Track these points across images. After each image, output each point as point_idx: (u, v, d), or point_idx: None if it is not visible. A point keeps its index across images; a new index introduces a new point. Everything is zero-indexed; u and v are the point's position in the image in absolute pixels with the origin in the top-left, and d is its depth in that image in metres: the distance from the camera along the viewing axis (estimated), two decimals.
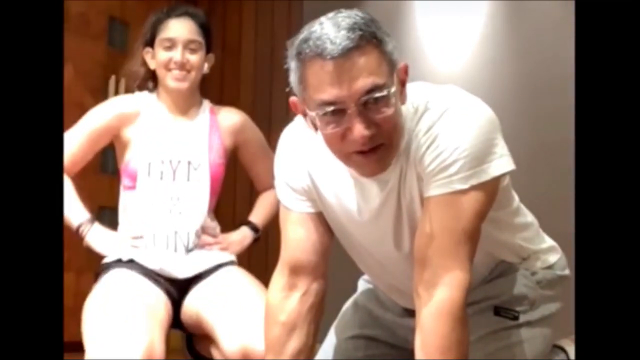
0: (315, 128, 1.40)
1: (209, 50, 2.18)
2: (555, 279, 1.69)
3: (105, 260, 2.08)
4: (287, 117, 4.45)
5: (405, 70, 1.42)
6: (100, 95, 3.58)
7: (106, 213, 3.17)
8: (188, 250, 2.08)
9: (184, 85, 2.11)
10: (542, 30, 3.50)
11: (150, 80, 2.20)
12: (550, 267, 1.69)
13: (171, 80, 2.11)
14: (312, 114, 1.38)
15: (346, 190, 1.54)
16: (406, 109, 1.45)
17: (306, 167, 1.58)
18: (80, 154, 2.13)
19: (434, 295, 1.40)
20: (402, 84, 1.41)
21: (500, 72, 3.56)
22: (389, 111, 1.35)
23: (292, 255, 1.61)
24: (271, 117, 4.03)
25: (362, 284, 1.87)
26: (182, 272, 2.06)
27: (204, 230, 2.13)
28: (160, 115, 2.15)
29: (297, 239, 1.61)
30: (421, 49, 3.69)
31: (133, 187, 2.09)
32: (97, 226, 2.09)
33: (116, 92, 3.62)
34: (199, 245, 2.11)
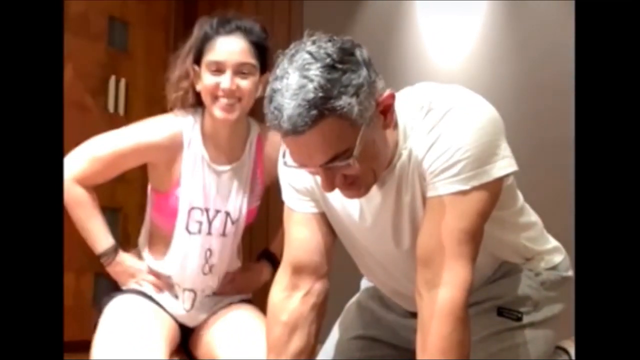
0: None
1: (264, 70, 1.88)
2: (559, 280, 1.68)
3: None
4: None
5: (391, 98, 1.40)
6: (100, 95, 3.58)
7: (106, 213, 3.17)
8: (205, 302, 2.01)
9: (232, 116, 1.85)
10: (542, 30, 3.50)
11: (193, 96, 1.93)
12: (554, 267, 1.69)
13: (218, 109, 1.85)
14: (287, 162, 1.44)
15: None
16: (411, 108, 1.45)
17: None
18: (105, 169, 1.94)
19: (435, 295, 1.40)
20: (385, 111, 1.39)
21: (500, 71, 3.56)
22: (355, 168, 1.35)
23: (295, 255, 1.61)
24: None
25: (365, 283, 1.87)
26: (193, 321, 2.02)
27: (226, 274, 2.02)
28: (201, 151, 1.92)
29: (301, 239, 1.61)
30: (422, 49, 3.68)
31: (165, 224, 1.95)
32: (122, 255, 1.97)
33: (116, 92, 3.62)
34: (218, 293, 2.02)
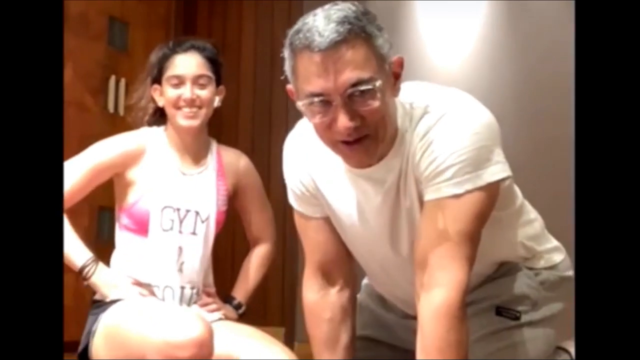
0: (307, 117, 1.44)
1: (219, 82, 2.11)
2: (559, 279, 1.69)
3: (98, 297, 2.00)
4: (287, 117, 4.47)
5: (400, 64, 1.43)
6: (100, 95, 3.58)
7: (106, 213, 3.17)
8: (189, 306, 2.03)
9: (195, 122, 2.04)
10: (542, 30, 3.50)
11: (159, 116, 2.11)
12: (553, 267, 1.69)
13: (181, 118, 2.03)
14: (300, 103, 1.41)
15: (347, 192, 1.56)
16: (404, 108, 1.47)
17: (309, 172, 1.61)
18: (77, 189, 2.02)
19: (432, 297, 1.41)
20: (396, 77, 1.43)
21: (500, 71, 3.56)
22: (374, 104, 1.36)
23: (319, 258, 1.68)
24: (271, 117, 4.04)
25: (366, 284, 1.88)
26: None
27: (203, 289, 2.08)
28: (168, 157, 2.07)
29: (320, 242, 1.67)
30: (421, 49, 3.69)
31: (137, 231, 2.02)
32: (102, 267, 2.00)
33: (116, 92, 3.62)
34: (199, 305, 2.05)
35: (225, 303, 2.12)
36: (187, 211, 2.04)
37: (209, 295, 2.09)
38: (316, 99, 1.37)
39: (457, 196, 1.41)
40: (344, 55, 1.34)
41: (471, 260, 1.44)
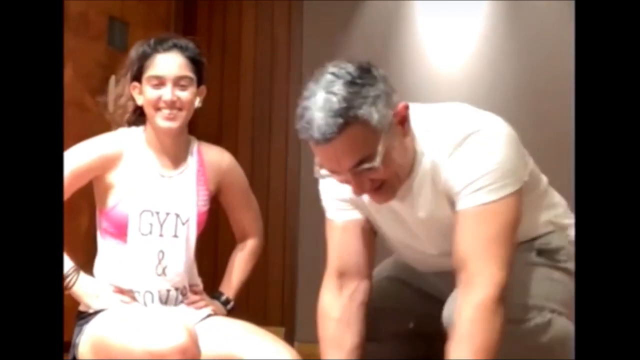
0: None
1: (200, 83, 2.05)
2: None
3: (82, 309, 1.98)
4: (287, 117, 4.46)
5: (404, 110, 1.57)
6: (100, 95, 3.57)
7: None
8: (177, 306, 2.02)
9: (175, 124, 1.99)
10: (542, 30, 3.50)
11: (139, 115, 2.06)
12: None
13: (161, 119, 1.98)
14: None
15: (381, 205, 1.69)
16: (420, 133, 1.61)
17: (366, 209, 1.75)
18: (73, 186, 1.99)
19: (471, 296, 1.51)
20: (402, 122, 1.57)
21: (500, 72, 3.56)
22: (379, 172, 1.53)
23: (339, 260, 1.79)
24: (271, 117, 4.04)
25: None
26: None
27: (190, 287, 2.07)
28: (147, 159, 2.03)
29: (343, 245, 1.79)
30: (421, 49, 3.69)
31: (116, 235, 1.99)
32: (84, 276, 1.98)
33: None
34: (186, 304, 2.04)
35: (212, 299, 2.11)
36: (167, 214, 2.01)
37: (195, 293, 2.07)
38: (331, 174, 1.57)
39: (492, 202, 1.54)
40: (341, 145, 1.49)
41: (508, 260, 1.54)
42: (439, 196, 1.62)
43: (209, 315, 2.04)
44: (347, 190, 1.69)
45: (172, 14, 4.04)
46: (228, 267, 2.19)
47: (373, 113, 1.49)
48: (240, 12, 4.19)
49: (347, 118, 1.47)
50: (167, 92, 1.97)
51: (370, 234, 1.80)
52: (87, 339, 1.90)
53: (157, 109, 1.98)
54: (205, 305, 2.05)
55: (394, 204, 1.67)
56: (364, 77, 1.51)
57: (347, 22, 3.87)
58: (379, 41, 3.74)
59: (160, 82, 1.98)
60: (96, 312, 1.95)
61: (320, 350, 1.76)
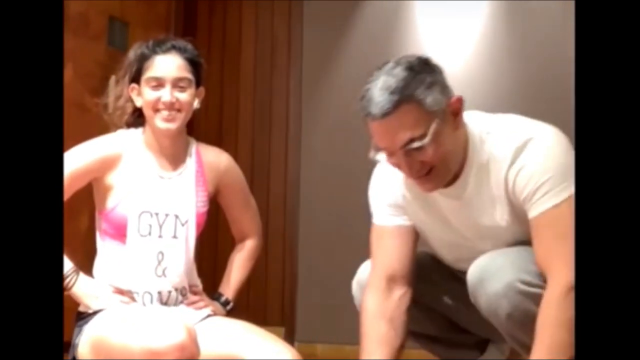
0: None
1: (198, 84, 2.06)
2: None
3: (82, 309, 1.98)
4: (287, 117, 4.45)
5: (458, 103, 1.69)
6: (100, 95, 3.57)
7: None
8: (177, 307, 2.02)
9: (174, 125, 1.99)
10: (542, 30, 3.50)
11: (137, 116, 2.07)
12: None
13: (160, 121, 1.99)
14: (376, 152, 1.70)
15: (429, 206, 1.82)
16: (475, 134, 1.72)
17: (400, 187, 1.85)
18: (72, 188, 1.99)
19: (550, 291, 1.61)
20: (455, 113, 1.69)
21: (500, 72, 3.56)
22: (429, 153, 1.64)
23: (388, 264, 1.86)
24: (271, 117, 4.04)
25: None
26: None
27: (190, 288, 2.07)
28: (146, 160, 2.03)
29: (392, 249, 1.87)
30: (421, 49, 3.67)
31: (116, 237, 1.99)
32: (83, 277, 1.97)
33: None
34: (186, 304, 2.04)
35: (212, 300, 2.11)
36: (166, 215, 2.01)
37: (195, 293, 2.07)
38: (383, 151, 1.68)
39: (556, 206, 1.64)
40: (395, 121, 1.62)
41: None
42: (495, 198, 1.72)
43: (208, 316, 2.04)
44: (397, 196, 1.85)
45: (172, 14, 4.04)
46: (227, 268, 2.19)
47: (427, 96, 1.63)
48: (240, 12, 4.19)
49: (403, 96, 1.61)
50: (166, 94, 1.98)
51: (416, 241, 1.90)
52: (86, 339, 1.90)
53: (156, 110, 1.99)
54: (205, 306, 2.05)
55: (447, 203, 1.78)
56: (422, 66, 1.67)
57: (347, 22, 3.87)
58: (379, 41, 3.74)
59: (159, 83, 1.99)
60: (95, 313, 1.95)
61: (363, 347, 1.82)
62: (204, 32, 4.16)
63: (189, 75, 2.02)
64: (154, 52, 2.01)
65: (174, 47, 2.02)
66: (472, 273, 1.74)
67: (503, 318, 1.69)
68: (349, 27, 3.86)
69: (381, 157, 1.71)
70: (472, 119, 1.76)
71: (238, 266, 2.18)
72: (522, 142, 1.69)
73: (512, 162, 1.69)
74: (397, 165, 1.70)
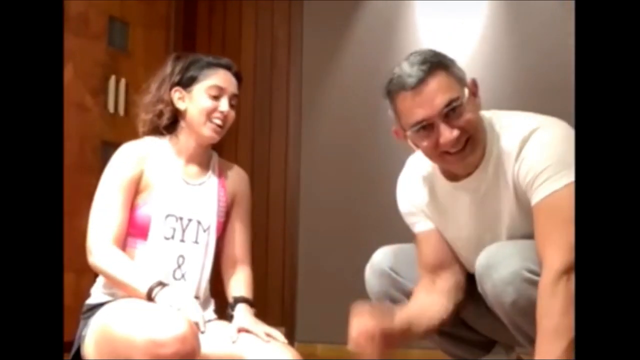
0: (417, 146, 1.75)
1: None
2: None
3: (88, 302, 2.00)
4: (287, 117, 4.45)
5: (474, 84, 1.77)
6: (100, 95, 3.58)
7: None
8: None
9: (218, 137, 2.08)
10: (542, 30, 3.50)
11: (172, 123, 2.10)
12: None
13: (209, 130, 2.05)
14: (409, 134, 1.72)
15: (450, 206, 1.87)
16: (489, 129, 1.77)
17: (421, 196, 1.92)
18: (123, 220, 1.99)
19: (545, 275, 1.62)
20: (473, 94, 1.75)
21: (500, 72, 3.56)
22: (467, 116, 1.69)
23: (429, 263, 1.91)
24: (271, 117, 4.04)
25: None
26: None
27: (203, 303, 2.04)
28: (174, 165, 2.07)
29: (435, 246, 1.92)
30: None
31: (137, 235, 2.00)
32: (168, 289, 1.90)
33: (116, 92, 3.62)
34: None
35: (236, 304, 2.06)
36: (189, 220, 2.04)
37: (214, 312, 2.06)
38: (420, 126, 1.69)
39: (554, 193, 1.66)
40: (431, 86, 1.68)
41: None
42: (509, 192, 1.75)
43: (215, 319, 2.05)
44: (419, 203, 1.90)
45: (172, 14, 4.04)
46: (235, 279, 2.12)
47: (454, 68, 1.74)
48: (240, 12, 4.19)
49: (433, 64, 1.70)
50: (224, 104, 2.06)
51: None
52: (92, 331, 1.91)
53: (210, 118, 2.05)
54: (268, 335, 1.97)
55: (465, 198, 1.82)
56: (440, 53, 1.77)
57: (347, 22, 3.87)
58: (379, 41, 3.74)
59: (220, 93, 2.06)
60: (100, 306, 1.95)
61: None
62: (204, 32, 4.16)
63: (238, 94, 2.12)
64: (217, 64, 2.09)
65: (230, 66, 2.11)
66: (480, 260, 1.76)
67: (508, 305, 1.70)
68: (349, 27, 3.86)
69: (414, 135, 1.72)
70: (489, 117, 1.81)
71: (246, 286, 2.12)
72: (528, 133, 1.73)
73: (518, 154, 1.72)
74: (432, 144, 1.71)
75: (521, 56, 3.53)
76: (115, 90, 3.63)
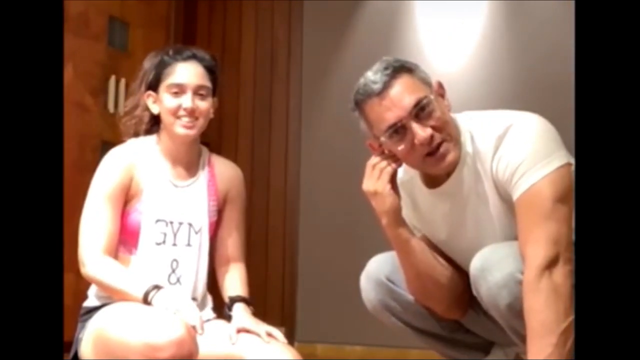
0: (393, 154, 1.76)
1: (214, 94, 2.07)
2: None
3: (86, 305, 2.00)
4: (287, 117, 4.45)
5: (440, 85, 1.79)
6: (100, 95, 3.58)
7: None
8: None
9: (192, 132, 2.02)
10: (542, 30, 3.50)
11: (154, 124, 2.08)
12: None
13: (180, 127, 2.00)
14: (383, 140, 1.73)
15: (432, 213, 1.87)
16: (465, 132, 1.77)
17: (405, 206, 1.87)
18: (114, 228, 1.97)
19: (527, 272, 1.62)
20: (441, 95, 1.78)
21: (500, 72, 3.56)
22: (436, 114, 1.71)
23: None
24: (271, 117, 4.04)
25: None
26: None
27: (201, 303, 2.04)
28: (160, 168, 2.05)
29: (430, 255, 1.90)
30: (421, 49, 3.68)
31: (127, 243, 1.99)
32: (164, 291, 1.89)
33: (116, 92, 3.62)
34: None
35: (233, 303, 2.05)
36: (180, 224, 2.03)
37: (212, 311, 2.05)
38: (393, 130, 1.71)
39: (532, 187, 1.65)
40: (397, 88, 1.72)
41: (557, 234, 1.62)
42: (488, 193, 1.75)
43: (214, 318, 2.04)
44: (404, 212, 1.85)
45: (172, 14, 4.04)
46: (231, 278, 2.11)
47: (416, 69, 1.77)
48: (240, 12, 4.19)
49: (395, 68, 1.73)
50: (187, 100, 2.00)
51: None
52: (89, 334, 1.91)
53: (176, 117, 2.01)
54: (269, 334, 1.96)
55: (443, 204, 1.82)
56: (402, 59, 1.78)
57: (347, 22, 3.87)
58: (379, 41, 3.74)
59: (180, 90, 2.00)
60: (98, 308, 1.95)
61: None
62: (204, 32, 4.16)
63: (208, 84, 2.04)
64: (175, 59, 2.03)
65: (194, 56, 2.05)
66: (475, 263, 1.74)
67: (503, 308, 1.69)
68: (349, 27, 3.86)
69: (389, 141, 1.72)
70: (461, 118, 1.80)
71: (242, 284, 2.10)
72: (502, 131, 1.72)
73: (495, 153, 1.72)
74: (409, 147, 1.72)
75: (521, 56, 3.53)
76: (115, 90, 3.63)
